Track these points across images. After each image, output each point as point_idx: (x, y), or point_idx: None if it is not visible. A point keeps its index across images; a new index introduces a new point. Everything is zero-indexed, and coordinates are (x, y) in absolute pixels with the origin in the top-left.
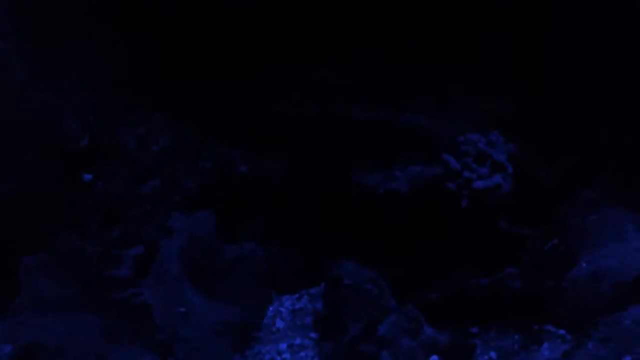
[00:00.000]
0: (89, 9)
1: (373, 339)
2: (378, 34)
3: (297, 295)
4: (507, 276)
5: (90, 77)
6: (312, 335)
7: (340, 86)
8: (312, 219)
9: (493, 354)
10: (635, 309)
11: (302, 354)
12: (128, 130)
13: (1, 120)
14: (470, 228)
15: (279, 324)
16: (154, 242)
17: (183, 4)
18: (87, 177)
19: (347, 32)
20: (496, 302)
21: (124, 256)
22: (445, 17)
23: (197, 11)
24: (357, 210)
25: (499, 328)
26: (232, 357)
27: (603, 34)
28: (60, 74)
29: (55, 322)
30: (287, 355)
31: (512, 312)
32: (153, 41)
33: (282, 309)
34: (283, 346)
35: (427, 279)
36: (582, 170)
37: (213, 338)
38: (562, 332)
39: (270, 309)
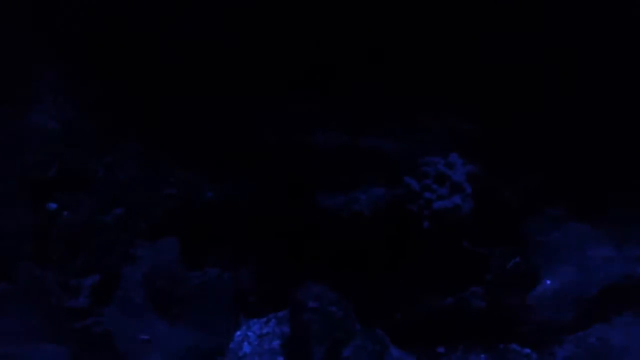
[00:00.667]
0: (58, 40)
1: None
2: (342, 61)
3: (264, 319)
4: (472, 295)
5: (59, 106)
6: (279, 359)
7: (305, 111)
8: (278, 243)
9: None
10: (599, 326)
11: None
12: (96, 159)
13: None
14: (432, 248)
15: (246, 348)
16: (117, 270)
17: (150, 38)
18: (52, 206)
19: (312, 60)
20: (462, 322)
21: (86, 285)
22: (405, 43)
23: (164, 42)
24: (322, 233)
25: (465, 347)
26: None
27: (566, 55)
28: (29, 103)
29: (17, 352)
30: None
31: (478, 331)
32: (121, 71)
33: (249, 333)
34: None
35: (392, 300)
36: (546, 188)
37: None
38: (527, 350)
39: (238, 333)
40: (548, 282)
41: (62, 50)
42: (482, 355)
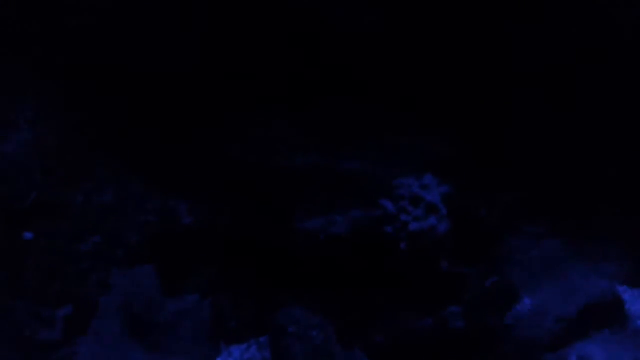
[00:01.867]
0: (35, 72)
1: None
2: (319, 84)
3: (245, 345)
4: (451, 315)
5: (38, 135)
6: None
7: (283, 135)
8: (258, 267)
9: None
10: (580, 344)
11: None
12: (74, 187)
13: None
14: (410, 269)
15: None
16: (92, 299)
17: (127, 62)
18: (28, 235)
19: (289, 83)
20: (442, 342)
21: (60, 315)
22: (381, 67)
23: (139, 67)
24: (300, 255)
25: None
26: None
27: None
28: (7, 133)
29: None
30: None
31: (458, 351)
32: (98, 99)
33: None
34: None
35: (372, 322)
36: (523, 207)
37: None
38: None
39: None
40: (527, 300)
41: (39, 79)
42: None
